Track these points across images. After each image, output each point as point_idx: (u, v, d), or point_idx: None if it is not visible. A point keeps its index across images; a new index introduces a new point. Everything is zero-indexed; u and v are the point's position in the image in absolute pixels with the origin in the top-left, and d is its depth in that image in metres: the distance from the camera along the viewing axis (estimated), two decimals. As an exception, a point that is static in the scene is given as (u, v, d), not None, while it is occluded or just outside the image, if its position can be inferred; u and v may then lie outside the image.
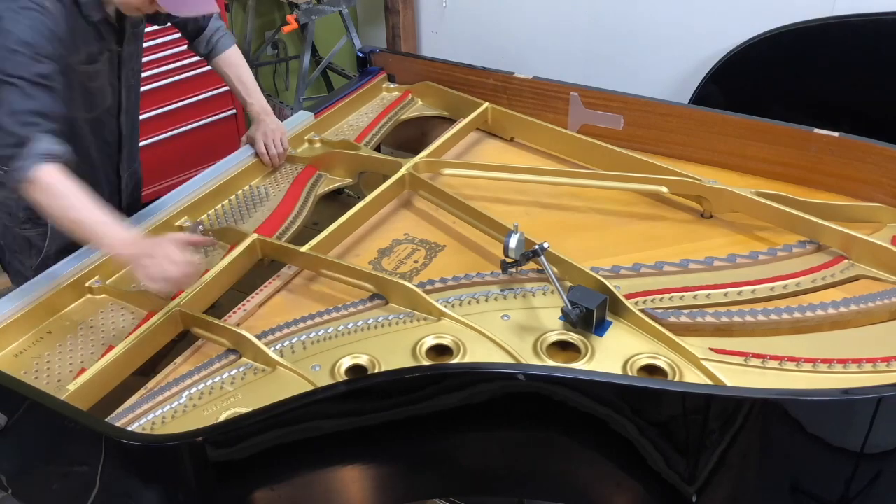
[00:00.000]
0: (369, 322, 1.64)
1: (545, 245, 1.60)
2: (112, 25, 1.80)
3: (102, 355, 1.55)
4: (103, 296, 1.76)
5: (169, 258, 1.55)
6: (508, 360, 1.52)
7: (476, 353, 1.54)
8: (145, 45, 3.02)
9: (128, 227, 1.66)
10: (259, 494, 1.43)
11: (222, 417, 1.46)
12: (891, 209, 1.87)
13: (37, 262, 1.97)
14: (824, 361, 1.45)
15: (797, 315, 1.57)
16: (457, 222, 1.96)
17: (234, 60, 2.17)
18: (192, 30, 2.13)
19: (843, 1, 2.82)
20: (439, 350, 1.57)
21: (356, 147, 2.21)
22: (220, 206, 2.06)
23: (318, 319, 1.66)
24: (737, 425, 1.32)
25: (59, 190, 1.56)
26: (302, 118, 2.36)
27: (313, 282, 1.81)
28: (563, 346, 1.57)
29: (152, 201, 1.99)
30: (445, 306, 1.63)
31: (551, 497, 1.60)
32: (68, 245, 1.91)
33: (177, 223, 1.95)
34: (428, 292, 1.66)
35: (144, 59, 3.11)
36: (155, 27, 2.13)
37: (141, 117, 3.34)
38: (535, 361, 1.52)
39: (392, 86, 2.62)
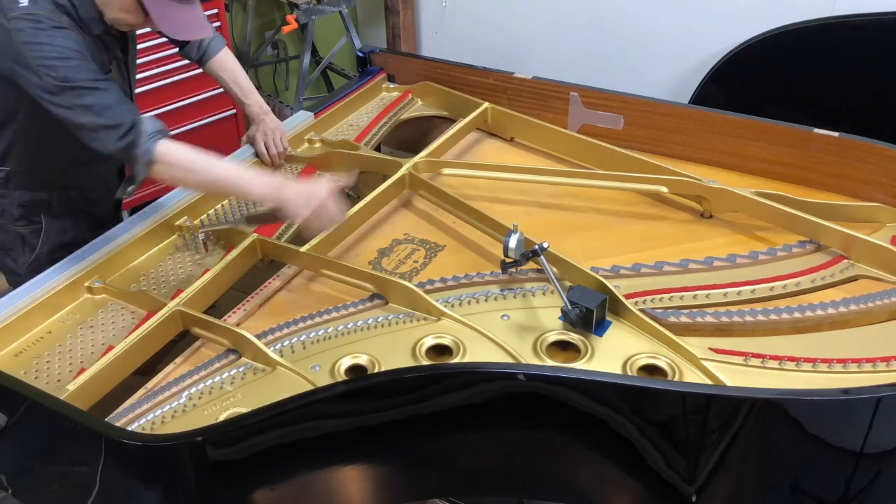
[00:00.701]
0: (369, 322, 1.64)
1: (545, 245, 1.60)
2: (114, 35, 1.81)
3: (102, 355, 1.55)
4: (103, 296, 1.76)
5: (317, 197, 1.68)
6: (508, 360, 1.52)
7: (476, 353, 1.54)
8: (145, 45, 3.03)
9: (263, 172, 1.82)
10: (259, 494, 1.43)
11: (222, 417, 1.46)
12: (891, 209, 1.87)
13: (30, 260, 1.98)
14: (824, 361, 1.45)
15: (797, 315, 1.57)
16: (457, 222, 1.96)
17: (227, 63, 2.16)
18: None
19: (843, 1, 2.82)
20: (439, 350, 1.57)
21: (356, 147, 2.21)
22: (220, 205, 2.06)
23: (318, 319, 1.66)
24: (737, 425, 1.31)
25: (187, 159, 1.69)
26: (302, 118, 2.36)
27: (313, 282, 1.81)
28: (562, 346, 1.57)
29: (152, 201, 1.98)
30: (445, 306, 1.63)
31: (551, 497, 1.60)
32: (62, 243, 1.93)
33: (177, 223, 1.95)
34: (428, 292, 1.66)
35: (144, 59, 3.14)
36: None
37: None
38: (534, 361, 1.52)
39: (392, 86, 2.62)
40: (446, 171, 2.11)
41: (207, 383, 1.53)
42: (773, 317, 1.56)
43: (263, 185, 1.71)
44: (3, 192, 1.92)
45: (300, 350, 1.59)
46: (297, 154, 2.25)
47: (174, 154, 1.67)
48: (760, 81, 3.07)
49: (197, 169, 1.70)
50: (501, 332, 1.58)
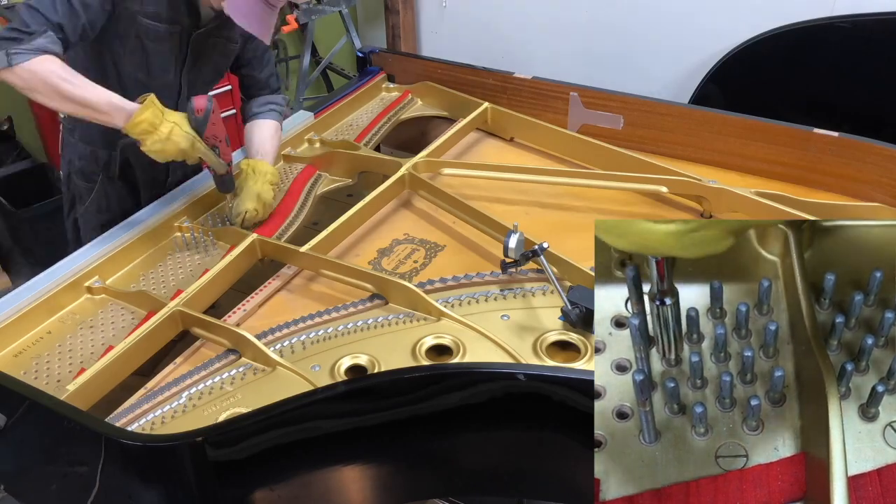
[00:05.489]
0: (369, 322, 1.64)
1: (545, 245, 1.61)
2: (192, 3, 1.83)
3: (102, 355, 1.55)
4: (103, 296, 1.76)
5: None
6: (508, 360, 1.52)
7: (476, 353, 1.54)
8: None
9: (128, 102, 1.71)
10: (259, 494, 1.43)
11: (222, 417, 1.45)
12: (891, 209, 1.87)
13: (79, 213, 2.07)
14: None
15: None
16: (457, 222, 1.96)
17: (262, 129, 2.08)
18: (249, 85, 2.13)
19: (843, 1, 2.83)
20: (439, 350, 1.57)
21: (356, 147, 2.21)
22: (220, 205, 2.06)
23: (317, 319, 1.66)
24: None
25: (59, 75, 1.63)
26: (302, 118, 2.36)
27: (313, 282, 1.81)
28: (562, 346, 1.57)
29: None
30: (445, 306, 1.63)
31: (551, 497, 1.60)
32: (109, 207, 2.00)
33: (176, 223, 1.95)
34: (428, 292, 1.66)
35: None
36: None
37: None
38: (534, 361, 1.52)
39: (392, 86, 2.62)
40: (446, 171, 2.11)
41: (207, 383, 1.52)
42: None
43: (127, 114, 1.68)
44: (70, 140, 2.01)
45: (300, 350, 1.59)
46: (297, 154, 2.25)
47: (50, 68, 1.63)
48: (760, 81, 3.08)
49: (66, 87, 1.65)
50: (501, 332, 1.58)
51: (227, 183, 1.88)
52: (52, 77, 1.63)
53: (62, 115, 2.01)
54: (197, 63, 1.95)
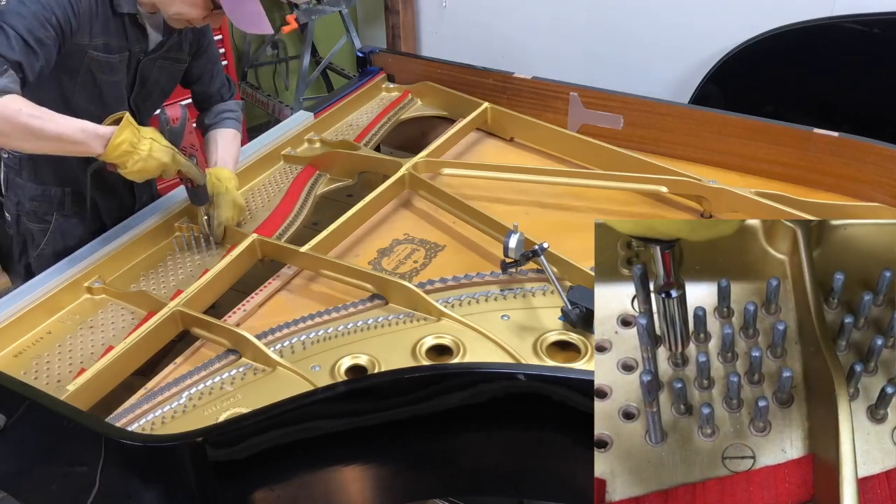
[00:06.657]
0: (369, 322, 1.64)
1: (545, 245, 1.61)
2: (141, 28, 1.78)
3: (102, 355, 1.55)
4: (103, 296, 1.76)
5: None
6: (508, 360, 1.52)
7: (476, 353, 1.54)
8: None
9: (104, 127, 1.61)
10: (259, 494, 1.43)
11: (222, 417, 1.45)
12: (891, 209, 1.87)
13: (32, 258, 1.97)
14: None
15: None
16: (457, 222, 1.96)
17: (223, 138, 2.03)
18: (202, 100, 2.09)
19: (843, 1, 2.83)
20: (439, 350, 1.57)
21: (356, 147, 2.21)
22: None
23: (318, 319, 1.66)
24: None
25: (27, 112, 1.51)
26: (302, 118, 2.36)
27: (313, 282, 1.81)
28: (563, 346, 1.57)
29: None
30: (445, 306, 1.63)
31: (551, 497, 1.60)
32: (66, 247, 1.90)
33: (176, 223, 1.95)
34: (428, 292, 1.66)
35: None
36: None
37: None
38: (534, 361, 1.52)
39: (392, 86, 2.62)
40: (446, 171, 2.11)
41: (207, 383, 1.52)
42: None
43: (105, 141, 1.58)
44: (17, 181, 1.92)
45: (300, 350, 1.59)
46: (297, 154, 2.25)
47: (15, 106, 1.49)
48: (760, 81, 3.08)
49: (36, 123, 1.52)
50: (501, 332, 1.58)
51: (203, 195, 1.82)
52: (20, 116, 1.50)
53: (5, 154, 1.89)
54: (145, 87, 1.89)
